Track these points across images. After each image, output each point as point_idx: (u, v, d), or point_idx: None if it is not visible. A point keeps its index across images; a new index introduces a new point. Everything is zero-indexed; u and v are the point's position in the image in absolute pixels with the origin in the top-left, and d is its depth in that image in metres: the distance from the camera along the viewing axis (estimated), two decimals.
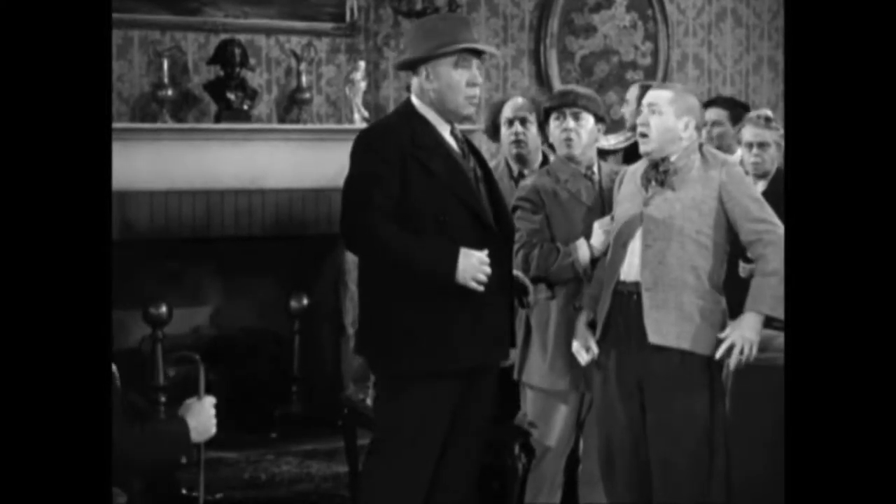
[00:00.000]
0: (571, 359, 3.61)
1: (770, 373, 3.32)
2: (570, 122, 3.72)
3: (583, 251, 3.64)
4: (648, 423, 3.38)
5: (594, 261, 3.64)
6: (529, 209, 3.75)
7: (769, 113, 4.41)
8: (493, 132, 4.42)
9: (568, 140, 3.72)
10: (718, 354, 3.29)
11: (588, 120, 3.74)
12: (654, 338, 3.32)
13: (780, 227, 3.32)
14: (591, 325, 3.54)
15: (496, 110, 4.35)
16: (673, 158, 3.42)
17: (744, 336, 3.25)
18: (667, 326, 3.32)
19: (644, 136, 3.44)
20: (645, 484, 3.42)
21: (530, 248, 3.67)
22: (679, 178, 3.39)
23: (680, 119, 3.42)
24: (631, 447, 3.43)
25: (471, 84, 3.24)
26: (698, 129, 3.50)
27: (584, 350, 3.51)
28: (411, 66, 3.31)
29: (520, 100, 4.24)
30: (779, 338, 3.52)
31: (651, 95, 3.48)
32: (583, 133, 3.73)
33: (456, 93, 3.23)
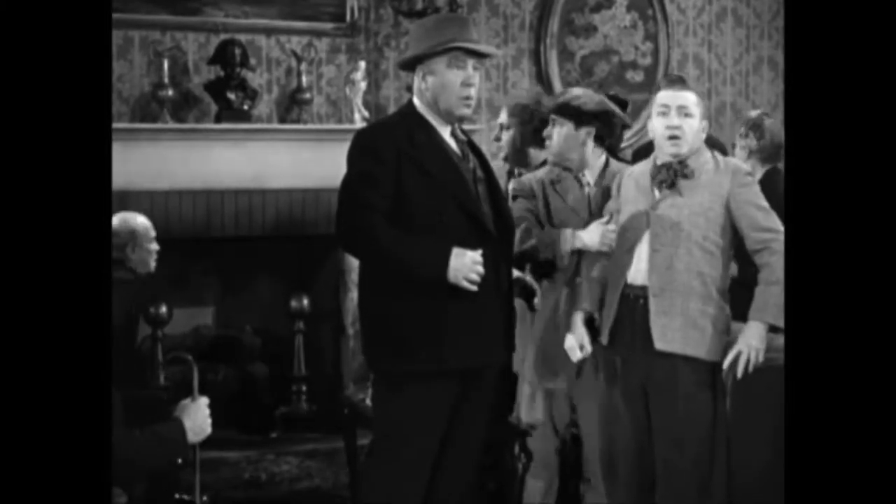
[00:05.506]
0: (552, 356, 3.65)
1: (770, 373, 3.32)
2: (548, 128, 3.78)
3: (566, 237, 3.65)
4: (653, 427, 3.38)
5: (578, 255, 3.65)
6: (525, 195, 3.81)
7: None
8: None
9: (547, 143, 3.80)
10: (726, 364, 3.29)
11: (563, 125, 3.72)
12: (659, 344, 3.33)
13: (783, 235, 3.30)
14: (588, 323, 3.52)
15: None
16: (689, 161, 3.41)
17: (750, 344, 3.26)
18: (672, 332, 3.33)
19: (676, 138, 3.38)
20: (646, 486, 3.42)
21: (520, 225, 3.67)
22: (688, 182, 3.39)
23: (702, 122, 3.45)
24: (635, 449, 3.43)
25: (465, 84, 3.19)
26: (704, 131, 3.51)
27: (578, 348, 3.49)
28: (409, 65, 3.30)
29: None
30: (779, 338, 3.52)
31: (679, 97, 3.42)
32: (555, 137, 3.74)
33: (449, 93, 3.19)
